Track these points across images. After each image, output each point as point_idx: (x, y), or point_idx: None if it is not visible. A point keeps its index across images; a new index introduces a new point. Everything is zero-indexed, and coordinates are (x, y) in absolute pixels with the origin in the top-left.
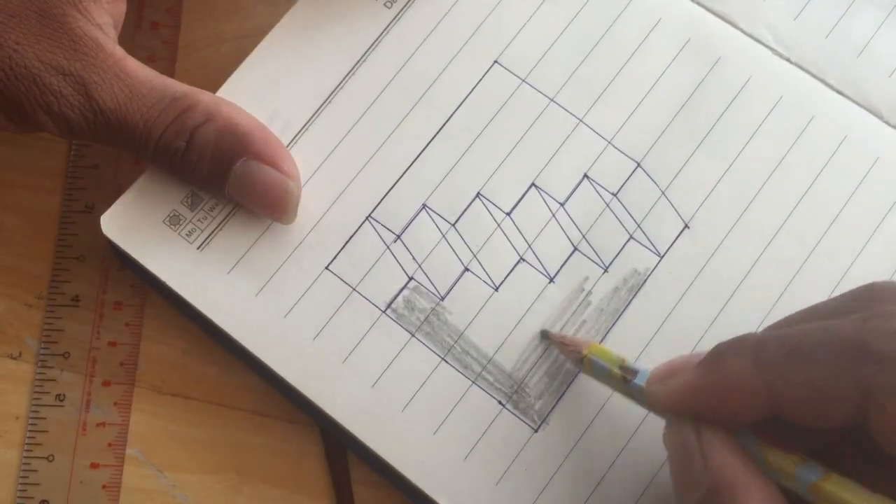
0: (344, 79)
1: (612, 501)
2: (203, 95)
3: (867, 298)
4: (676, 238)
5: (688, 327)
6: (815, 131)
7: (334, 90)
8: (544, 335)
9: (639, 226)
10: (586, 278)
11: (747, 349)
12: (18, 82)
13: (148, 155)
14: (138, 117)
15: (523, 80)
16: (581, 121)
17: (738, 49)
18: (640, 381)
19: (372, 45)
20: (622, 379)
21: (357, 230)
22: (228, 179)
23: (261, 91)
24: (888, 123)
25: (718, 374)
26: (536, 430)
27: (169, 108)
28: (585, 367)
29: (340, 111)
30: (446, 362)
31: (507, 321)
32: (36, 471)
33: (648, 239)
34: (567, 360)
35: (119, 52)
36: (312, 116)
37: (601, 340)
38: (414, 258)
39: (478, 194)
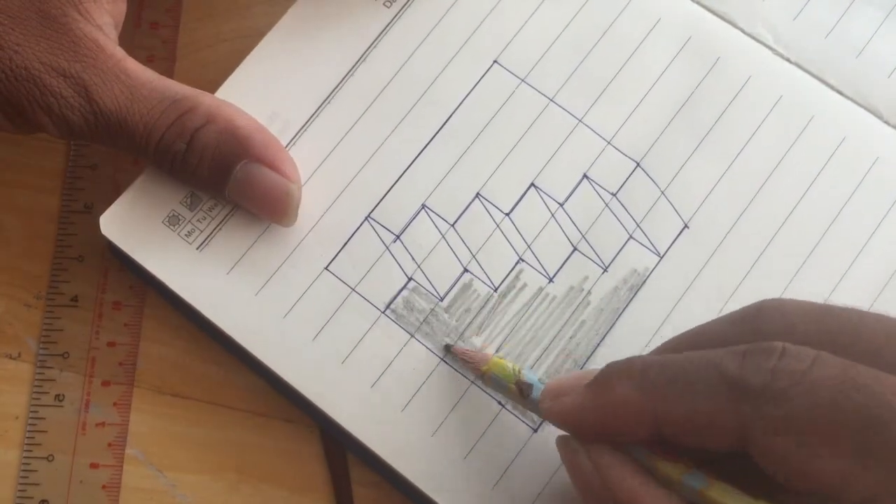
0: (343, 79)
1: None
2: (204, 97)
3: (752, 323)
4: (676, 238)
5: (687, 327)
6: (814, 131)
7: (334, 90)
8: (447, 349)
9: (638, 226)
10: (586, 278)
11: (633, 374)
12: (19, 83)
13: (148, 157)
14: (138, 119)
15: (523, 80)
16: (580, 121)
17: (737, 49)
18: (536, 394)
19: (371, 44)
20: (519, 393)
21: (356, 230)
22: (229, 182)
23: (260, 91)
24: (888, 123)
25: (604, 397)
26: (536, 431)
27: (169, 110)
28: (486, 382)
29: (340, 111)
30: (445, 363)
31: (506, 321)
32: (36, 471)
33: (648, 239)
34: (565, 361)
35: (119, 53)
36: (312, 116)
37: (600, 341)
38: (413, 258)
39: (477, 194)
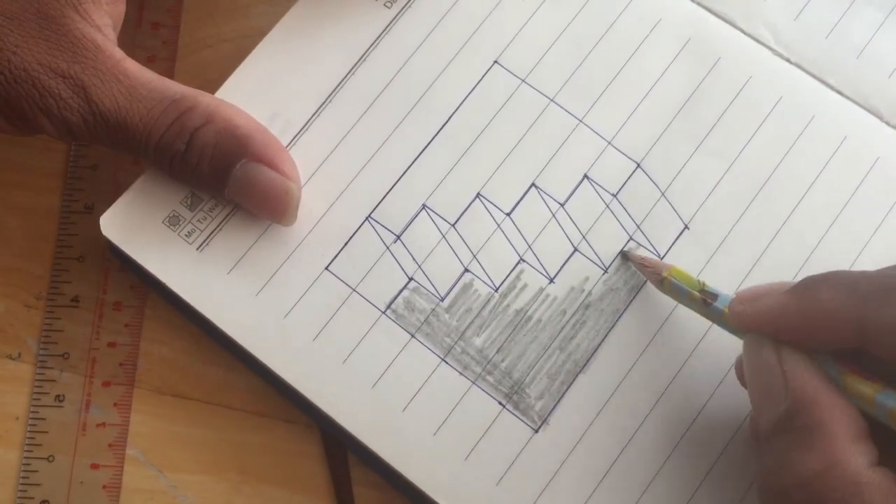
0: (344, 79)
1: (613, 503)
2: (203, 97)
3: None
4: (676, 239)
5: (688, 327)
6: (815, 132)
7: (334, 90)
8: (624, 256)
9: (638, 227)
10: (586, 279)
11: (841, 282)
12: (18, 85)
13: (148, 157)
14: (138, 119)
15: (523, 81)
16: (581, 121)
17: (738, 49)
18: (720, 304)
19: (372, 45)
20: (702, 301)
21: (357, 230)
22: (228, 181)
23: (261, 91)
24: (888, 124)
25: (810, 300)
26: (537, 431)
27: (168, 110)
28: (665, 287)
29: (340, 111)
30: (446, 363)
31: (507, 322)
32: (36, 471)
33: (648, 240)
34: (566, 361)
35: (118, 53)
36: (312, 116)
37: (601, 341)
38: (414, 259)
39: (478, 195)
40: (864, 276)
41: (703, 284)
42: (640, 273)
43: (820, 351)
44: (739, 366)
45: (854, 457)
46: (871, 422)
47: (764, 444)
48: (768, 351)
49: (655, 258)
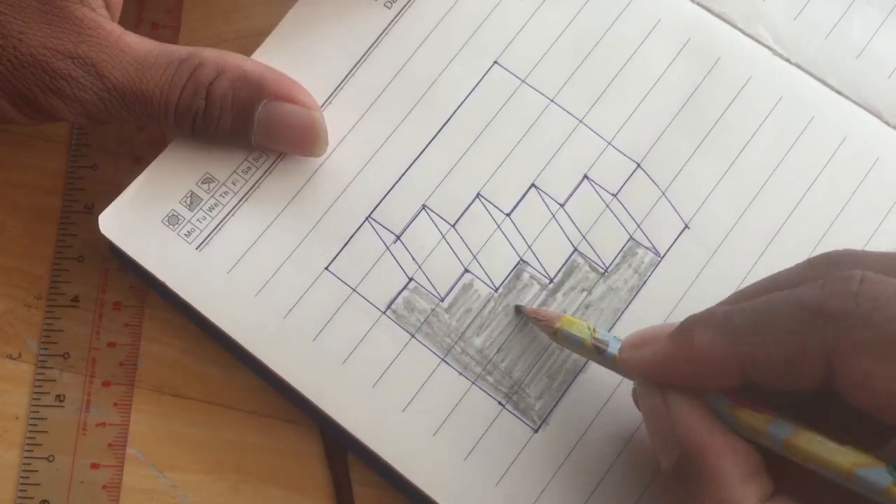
0: (344, 79)
1: (612, 502)
2: (207, 52)
3: (824, 265)
4: (676, 238)
5: None
6: (814, 132)
7: (334, 91)
8: (518, 310)
9: (639, 226)
10: (586, 279)
11: (715, 322)
12: (26, 70)
13: (169, 121)
14: (153, 86)
15: (523, 81)
16: (581, 121)
17: (737, 49)
18: (612, 349)
19: (372, 45)
20: (594, 349)
21: (357, 231)
22: (253, 126)
23: None
24: (888, 124)
25: (688, 345)
26: (536, 431)
27: (180, 71)
28: (559, 339)
29: (340, 112)
30: (446, 363)
31: (507, 322)
32: (36, 471)
33: (648, 239)
34: (566, 361)
35: (118, 29)
36: None
37: None
38: (414, 259)
39: (478, 195)
40: (736, 310)
41: (594, 331)
42: (536, 327)
43: (712, 392)
44: (635, 394)
45: (743, 499)
46: (769, 452)
47: (665, 490)
48: (656, 396)
49: (548, 310)
